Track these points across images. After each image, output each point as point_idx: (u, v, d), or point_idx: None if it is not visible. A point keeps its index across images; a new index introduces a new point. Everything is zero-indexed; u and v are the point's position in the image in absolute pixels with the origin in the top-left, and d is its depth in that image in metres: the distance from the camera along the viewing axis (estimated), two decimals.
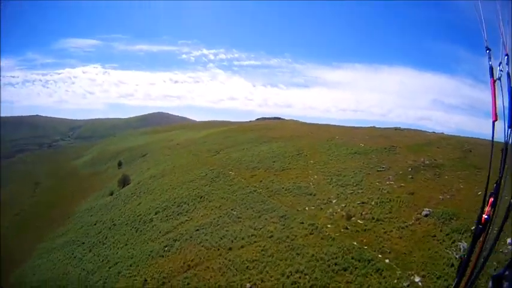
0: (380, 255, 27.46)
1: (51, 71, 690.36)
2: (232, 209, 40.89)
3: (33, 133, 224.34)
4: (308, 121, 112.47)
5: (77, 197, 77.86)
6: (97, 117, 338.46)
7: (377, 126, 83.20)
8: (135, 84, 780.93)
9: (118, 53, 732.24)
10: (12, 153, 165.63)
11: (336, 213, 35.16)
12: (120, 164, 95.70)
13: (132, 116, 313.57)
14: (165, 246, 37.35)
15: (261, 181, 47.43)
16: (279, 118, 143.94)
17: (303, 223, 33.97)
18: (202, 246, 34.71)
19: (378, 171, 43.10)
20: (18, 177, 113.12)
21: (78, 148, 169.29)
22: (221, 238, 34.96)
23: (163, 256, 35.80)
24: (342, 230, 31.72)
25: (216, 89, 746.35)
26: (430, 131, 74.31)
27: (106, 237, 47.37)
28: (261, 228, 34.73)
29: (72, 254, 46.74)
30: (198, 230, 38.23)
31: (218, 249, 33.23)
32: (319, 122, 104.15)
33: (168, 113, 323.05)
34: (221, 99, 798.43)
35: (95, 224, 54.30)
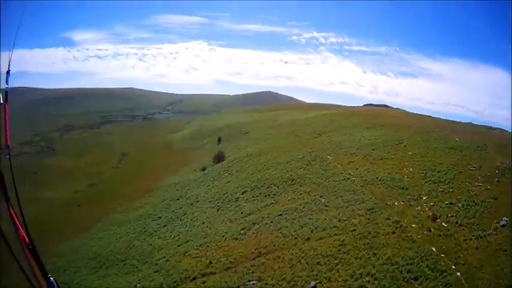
0: (454, 267, 27.35)
1: (148, 45, 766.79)
2: (321, 196, 42.83)
3: (125, 105, 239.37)
4: (413, 111, 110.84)
5: (166, 171, 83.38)
6: (202, 92, 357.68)
7: (473, 123, 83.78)
8: (244, 62, 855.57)
9: (223, 31, 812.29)
10: (97, 124, 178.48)
11: (423, 211, 35.73)
12: (219, 140, 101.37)
13: (239, 93, 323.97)
14: (242, 229, 39.84)
15: (357, 168, 49.03)
16: (386, 106, 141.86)
17: (389, 219, 34.92)
18: (280, 232, 36.72)
19: (469, 170, 43.20)
20: (102, 148, 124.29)
21: (177, 122, 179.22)
22: (302, 226, 36.72)
23: (237, 239, 38.14)
24: (425, 232, 31.96)
25: (326, 72, 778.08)
26: None
27: (185, 214, 50.63)
28: (345, 220, 36.08)
29: (144, 228, 50.03)
30: (280, 214, 40.53)
31: (295, 238, 34.98)
32: (423, 113, 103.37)
33: (276, 93, 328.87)
34: (332, 82, 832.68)
35: (178, 199, 58.35)
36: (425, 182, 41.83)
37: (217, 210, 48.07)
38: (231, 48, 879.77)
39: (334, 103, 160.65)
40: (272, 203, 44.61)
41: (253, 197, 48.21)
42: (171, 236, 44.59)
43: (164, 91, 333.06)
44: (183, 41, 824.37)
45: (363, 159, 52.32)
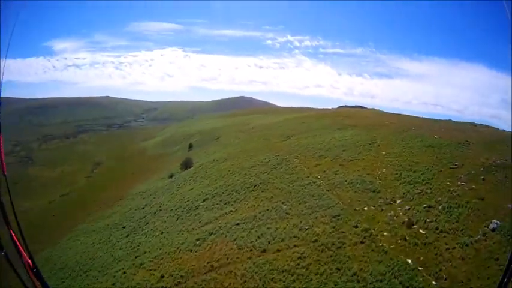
0: (435, 282, 23.19)
1: (125, 53, 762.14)
2: (283, 202, 39.02)
3: (101, 114, 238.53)
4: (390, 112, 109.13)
5: (137, 179, 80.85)
6: (177, 99, 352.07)
7: (454, 120, 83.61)
8: (218, 68, 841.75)
9: (199, 37, 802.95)
10: (74, 134, 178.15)
11: (397, 217, 31.64)
12: (190, 147, 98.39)
13: (214, 99, 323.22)
14: (198, 240, 36.25)
15: (324, 171, 45.65)
16: (361, 107, 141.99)
17: (356, 227, 30.82)
18: (235, 244, 32.95)
19: (450, 168, 39.74)
20: (77, 158, 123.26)
21: (151, 130, 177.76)
22: (259, 237, 32.85)
23: (191, 251, 34.65)
24: (399, 241, 27.84)
25: (301, 75, 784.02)
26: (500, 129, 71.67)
27: (147, 223, 47.78)
28: (306, 229, 31.92)
29: (109, 238, 47.71)
30: (238, 224, 36.85)
31: (251, 250, 31.13)
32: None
33: (251, 98, 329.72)
34: (307, 86, 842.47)
35: (143, 208, 55.35)
36: (400, 184, 38.31)
37: (177, 220, 44.70)
38: (206, 54, 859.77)
39: (308, 106, 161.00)
40: (231, 211, 40.91)
41: (213, 204, 44.74)
42: (131, 246, 41.88)
43: (141, 99, 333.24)
44: (158, 48, 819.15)
45: (332, 161, 49.04)
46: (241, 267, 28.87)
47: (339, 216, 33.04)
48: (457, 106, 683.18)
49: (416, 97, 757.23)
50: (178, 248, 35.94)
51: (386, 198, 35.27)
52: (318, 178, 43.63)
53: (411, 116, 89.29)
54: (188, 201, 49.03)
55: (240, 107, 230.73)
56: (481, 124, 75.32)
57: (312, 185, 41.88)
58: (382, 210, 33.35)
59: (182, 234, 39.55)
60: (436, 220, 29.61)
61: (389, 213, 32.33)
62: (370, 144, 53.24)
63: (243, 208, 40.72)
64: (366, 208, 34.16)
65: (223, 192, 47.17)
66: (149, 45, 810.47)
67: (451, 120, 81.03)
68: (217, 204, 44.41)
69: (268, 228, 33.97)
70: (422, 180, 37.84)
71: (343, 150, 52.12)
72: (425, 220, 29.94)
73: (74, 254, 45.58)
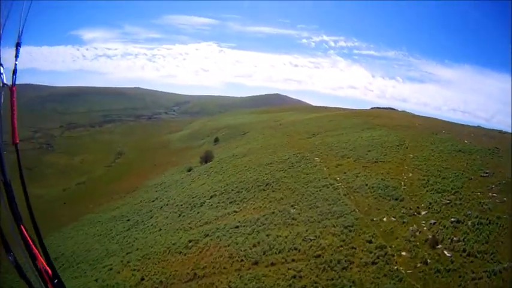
0: None
1: (158, 45, 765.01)
2: (292, 205, 34.94)
3: (130, 105, 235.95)
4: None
5: (156, 171, 78.74)
6: (211, 94, 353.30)
7: (483, 127, 78.41)
8: (254, 65, 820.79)
9: (234, 33, 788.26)
10: (100, 123, 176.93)
11: (420, 232, 27.07)
12: (216, 140, 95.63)
13: (248, 95, 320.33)
14: (190, 241, 33.09)
15: (344, 173, 41.50)
16: (392, 109, 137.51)
17: (370, 242, 26.26)
18: (226, 250, 29.43)
19: (481, 176, 36.44)
20: (100, 147, 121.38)
21: (180, 122, 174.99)
22: (255, 245, 29.07)
23: (181, 253, 31.69)
24: (419, 265, 23.10)
25: (335, 76, 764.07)
26: None
27: (151, 217, 45.48)
28: (311, 240, 27.60)
29: (111, 230, 45.83)
30: (237, 227, 33.30)
31: (241, 261, 27.36)
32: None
33: (285, 96, 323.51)
34: (340, 86, 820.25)
35: (153, 201, 53.05)
36: (427, 191, 33.90)
37: (179, 216, 41.65)
38: (241, 50, 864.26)
39: (341, 107, 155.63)
40: (235, 211, 37.36)
41: (219, 202, 41.41)
42: (127, 241, 39.82)
43: (173, 92, 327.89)
44: (193, 42, 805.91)
45: (355, 161, 44.93)
46: (225, 280, 25.23)
47: (352, 227, 28.72)
48: (484, 114, 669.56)
49: (446, 103, 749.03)
50: (168, 249, 33.25)
51: (410, 209, 30.90)
52: (337, 180, 39.47)
53: (441, 120, 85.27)
54: (195, 197, 46.16)
55: (274, 104, 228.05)
56: (508, 132, 70.24)
57: (328, 188, 37.72)
58: (403, 222, 28.93)
59: (178, 232, 36.73)
60: (464, 239, 25.42)
61: (411, 227, 27.95)
62: (397, 145, 49.50)
63: (248, 209, 37.26)
64: (385, 219, 29.76)
65: (232, 190, 43.90)
66: (183, 39, 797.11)
67: (480, 127, 76.88)
68: (222, 202, 41.20)
69: (267, 235, 30.04)
70: (451, 188, 33.91)
71: (369, 151, 48.20)
72: (452, 239, 25.69)
73: (73, 244, 44.07)
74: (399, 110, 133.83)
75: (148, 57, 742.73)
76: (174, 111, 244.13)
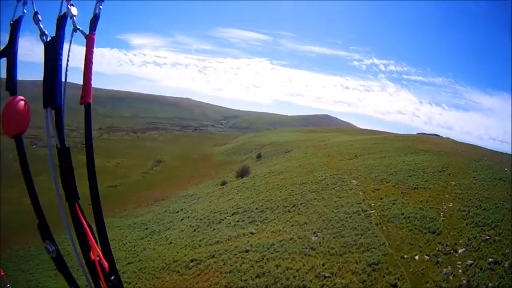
0: None
1: (209, 57, 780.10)
2: (315, 232, 31.77)
3: (177, 114, 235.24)
4: None
5: (191, 182, 77.94)
6: (260, 110, 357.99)
7: None
8: (305, 84, 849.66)
9: (286, 50, 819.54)
10: (143, 129, 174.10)
11: (454, 276, 23.81)
12: (259, 156, 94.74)
13: (297, 114, 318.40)
14: (192, 261, 31.28)
15: (381, 198, 38.22)
16: (437, 135, 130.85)
17: (395, 286, 22.75)
18: (225, 277, 26.70)
19: None
20: (139, 153, 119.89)
21: (226, 136, 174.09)
22: (259, 275, 26.04)
23: (178, 272, 30.24)
24: None
25: (385, 100, 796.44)
26: None
27: (168, 229, 43.95)
28: (326, 278, 24.12)
29: (126, 237, 44.48)
30: (247, 251, 30.59)
31: None
32: None
33: (335, 118, 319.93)
34: (389, 111, 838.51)
35: (177, 212, 51.68)
36: (466, 225, 30.80)
37: (193, 231, 39.67)
38: (292, 68, 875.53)
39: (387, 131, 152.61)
40: (251, 233, 34.61)
41: (238, 220, 39.04)
42: (135, 251, 38.55)
43: (222, 105, 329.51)
44: (245, 57, 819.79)
45: (393, 187, 41.53)
46: None
47: (377, 264, 25.09)
48: None
49: (487, 132, 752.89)
50: (167, 265, 31.96)
51: (447, 245, 27.46)
52: (371, 206, 36.05)
53: (483, 148, 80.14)
54: (217, 212, 44.10)
55: (323, 124, 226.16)
56: None
57: (360, 214, 34.31)
58: (437, 262, 25.40)
59: (185, 249, 35.07)
60: (498, 286, 22.36)
61: (445, 269, 24.54)
62: (440, 171, 46.02)
63: (265, 231, 34.42)
64: (417, 257, 26.20)
65: (256, 208, 41.41)
66: (235, 53, 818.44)
67: None
68: (242, 221, 38.80)
69: (277, 265, 26.76)
70: (492, 221, 30.76)
71: (410, 176, 44.89)
72: (487, 285, 22.54)
73: None
74: (444, 136, 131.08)
75: (199, 69, 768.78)
76: (221, 124, 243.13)
